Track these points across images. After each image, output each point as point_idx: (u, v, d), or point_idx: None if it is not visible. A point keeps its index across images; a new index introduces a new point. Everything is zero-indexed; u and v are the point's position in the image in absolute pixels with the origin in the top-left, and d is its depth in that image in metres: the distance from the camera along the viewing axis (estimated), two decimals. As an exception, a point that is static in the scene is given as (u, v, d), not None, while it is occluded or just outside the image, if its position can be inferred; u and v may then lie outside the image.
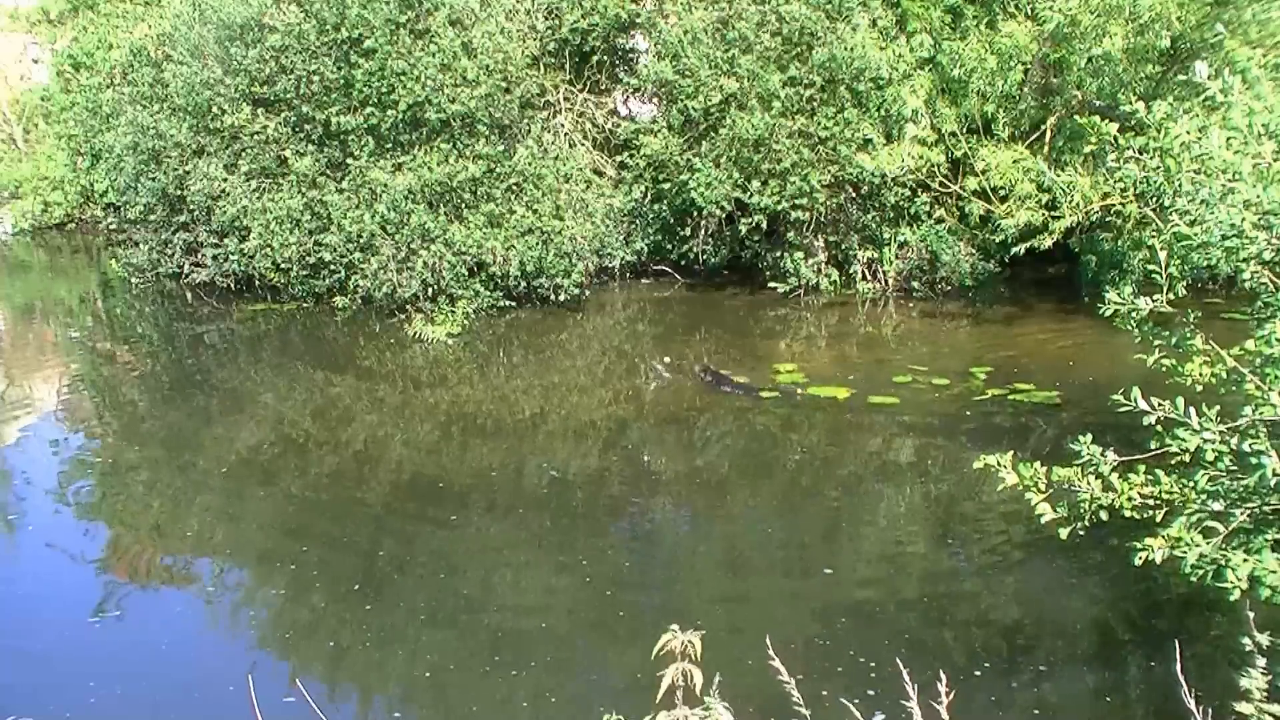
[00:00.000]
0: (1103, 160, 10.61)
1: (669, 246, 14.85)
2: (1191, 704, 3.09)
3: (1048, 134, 12.68)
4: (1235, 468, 3.68)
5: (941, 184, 12.95)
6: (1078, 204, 11.40)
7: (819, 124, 12.81)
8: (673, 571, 6.61)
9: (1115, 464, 3.78)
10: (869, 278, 14.12)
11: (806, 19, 12.76)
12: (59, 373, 12.49)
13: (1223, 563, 3.54)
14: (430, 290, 13.09)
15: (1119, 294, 3.92)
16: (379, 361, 12.07)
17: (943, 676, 2.93)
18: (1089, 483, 3.77)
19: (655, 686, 2.72)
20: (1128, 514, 3.80)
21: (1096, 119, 4.03)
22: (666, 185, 13.95)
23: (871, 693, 4.72)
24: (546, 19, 14.36)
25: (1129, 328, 3.98)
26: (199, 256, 15.69)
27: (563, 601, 6.16)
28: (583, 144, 14.66)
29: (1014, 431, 8.44)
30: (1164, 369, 3.98)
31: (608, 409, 9.86)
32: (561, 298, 13.57)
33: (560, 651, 5.51)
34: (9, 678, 5.35)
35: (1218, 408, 3.60)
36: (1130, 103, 4.11)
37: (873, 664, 5.09)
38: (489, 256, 12.99)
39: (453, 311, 12.89)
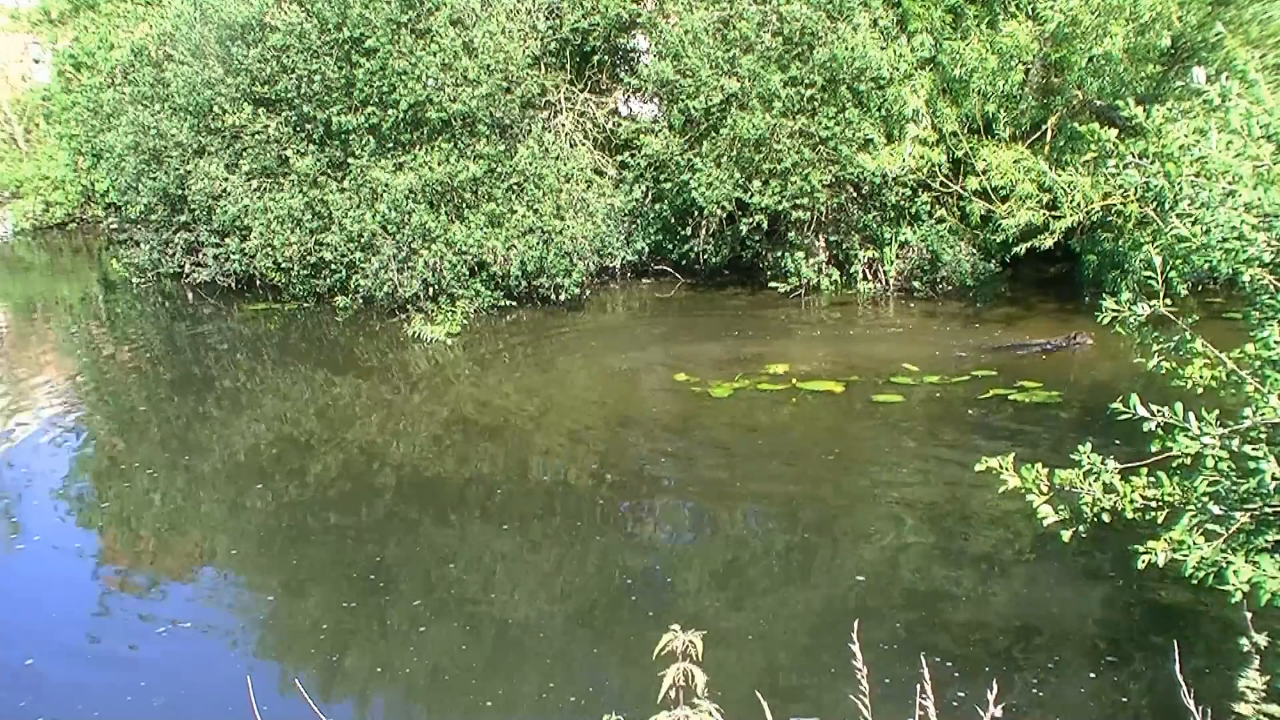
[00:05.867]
0: (1103, 164, 10.61)
1: (670, 246, 14.85)
2: (1191, 704, 3.11)
3: (1048, 134, 12.68)
4: (1235, 470, 3.69)
5: (942, 184, 12.95)
6: (1078, 204, 11.40)
7: (820, 124, 12.82)
8: (674, 572, 6.62)
9: (1116, 470, 3.79)
10: (870, 277, 14.13)
11: (807, 19, 12.77)
12: (60, 372, 12.50)
13: (1224, 565, 3.55)
14: (431, 290, 13.10)
15: (1116, 301, 3.92)
16: (379, 361, 12.08)
17: (994, 685, 2.94)
18: (1090, 485, 3.77)
19: (656, 686, 2.73)
20: (1130, 516, 3.81)
21: (1096, 126, 4.03)
22: (667, 185, 13.96)
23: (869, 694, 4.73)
24: (547, 19, 14.37)
25: (1128, 333, 3.98)
26: (200, 256, 15.73)
27: (565, 602, 6.18)
28: (584, 144, 14.66)
29: (1016, 430, 8.45)
30: (1164, 370, 3.99)
31: (608, 409, 9.87)
32: (562, 297, 13.58)
33: (562, 652, 5.53)
34: (12, 679, 5.37)
35: (1217, 410, 3.61)
36: (1130, 106, 4.12)
37: (869, 664, 5.09)
38: (490, 256, 13.01)
39: (453, 311, 12.90)
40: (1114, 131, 4.17)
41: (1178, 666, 3.42)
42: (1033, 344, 10.86)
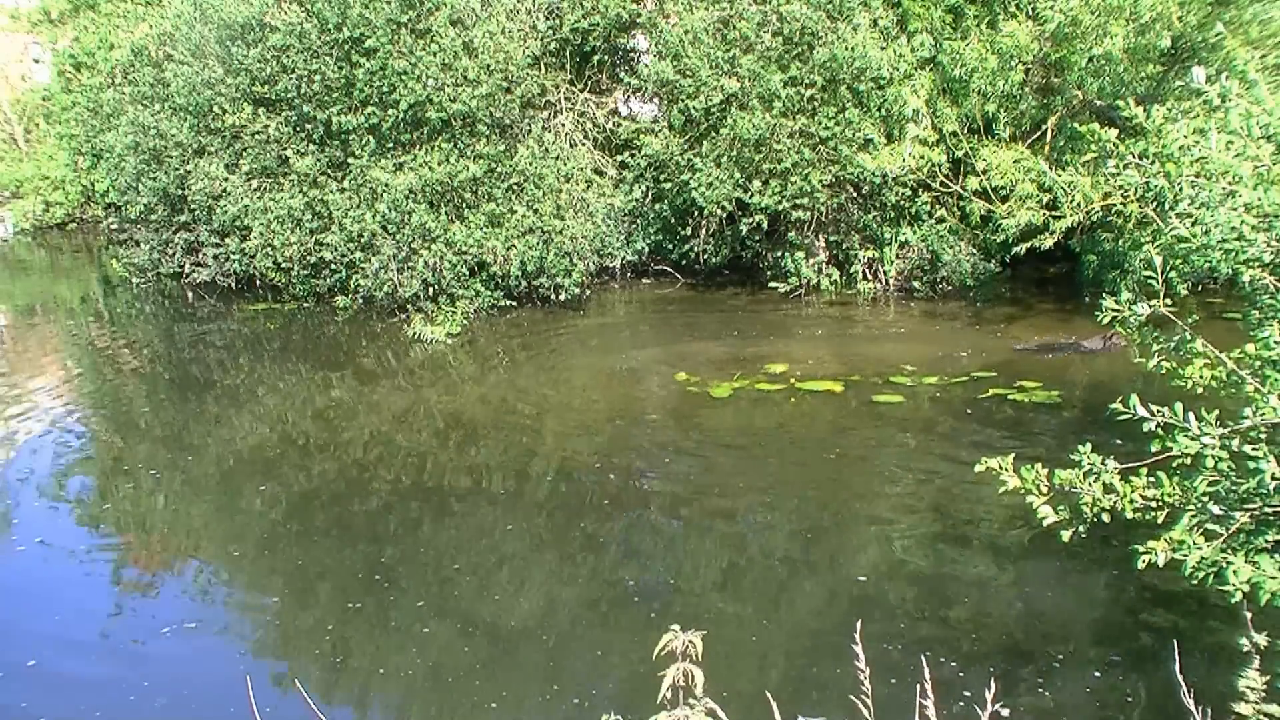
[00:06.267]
0: (1103, 164, 10.62)
1: (670, 246, 14.87)
2: (1191, 704, 3.11)
3: (1048, 134, 12.70)
4: (1235, 470, 3.69)
5: (942, 184, 12.96)
6: (1078, 204, 11.41)
7: (820, 124, 12.83)
8: (673, 573, 6.62)
9: (1116, 470, 3.79)
10: (870, 277, 14.14)
11: (807, 19, 12.78)
12: (60, 372, 12.51)
13: (1224, 565, 3.55)
14: (431, 290, 13.11)
15: (1116, 301, 3.92)
16: (379, 361, 12.08)
17: (994, 684, 2.95)
18: (1090, 485, 3.77)
19: (656, 687, 2.73)
20: (1130, 516, 3.81)
21: (1096, 126, 4.02)
22: (667, 185, 13.97)
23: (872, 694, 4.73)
24: (547, 19, 14.39)
25: (1128, 333, 3.99)
26: (200, 256, 15.74)
27: (564, 603, 6.18)
28: (584, 144, 14.68)
29: (1016, 431, 8.45)
30: (1164, 371, 3.99)
31: (608, 409, 9.88)
32: (562, 297, 13.59)
33: (563, 652, 5.53)
34: (15, 680, 5.37)
35: (1217, 410, 3.61)
36: (1130, 106, 4.12)
37: (871, 664, 5.10)
38: (490, 256, 13.01)
39: (453, 311, 12.91)
40: (1114, 131, 4.16)
41: (1178, 666, 3.42)
42: (1064, 345, 10.73)
